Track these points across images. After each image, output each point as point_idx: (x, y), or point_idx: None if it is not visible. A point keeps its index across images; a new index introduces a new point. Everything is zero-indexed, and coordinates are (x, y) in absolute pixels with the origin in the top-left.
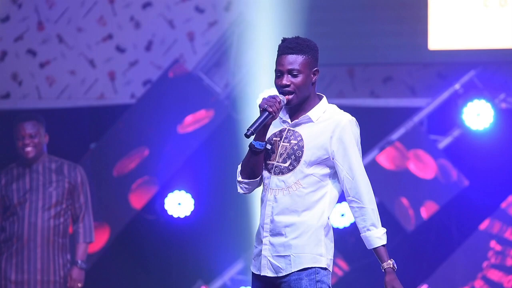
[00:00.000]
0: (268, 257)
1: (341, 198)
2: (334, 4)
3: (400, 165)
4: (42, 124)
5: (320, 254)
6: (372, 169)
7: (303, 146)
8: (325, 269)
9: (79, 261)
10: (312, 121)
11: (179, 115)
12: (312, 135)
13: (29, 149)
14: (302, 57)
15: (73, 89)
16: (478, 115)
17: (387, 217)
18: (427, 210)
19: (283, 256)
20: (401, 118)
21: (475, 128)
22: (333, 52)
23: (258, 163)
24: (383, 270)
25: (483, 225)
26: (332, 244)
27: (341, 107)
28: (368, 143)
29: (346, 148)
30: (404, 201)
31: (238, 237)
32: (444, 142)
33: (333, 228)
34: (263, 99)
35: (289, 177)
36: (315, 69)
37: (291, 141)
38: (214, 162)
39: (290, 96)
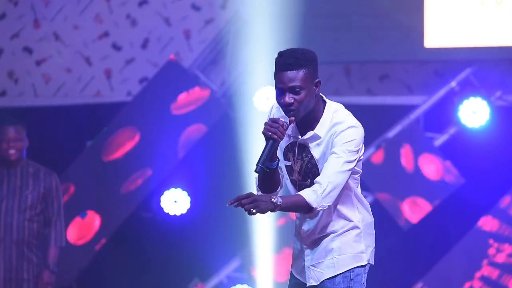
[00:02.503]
0: (311, 268)
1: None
2: (330, 2)
3: (396, 163)
4: (25, 129)
5: (361, 251)
6: (368, 167)
7: (316, 164)
8: (363, 266)
9: (51, 265)
10: (320, 137)
11: (174, 112)
12: (321, 151)
13: (12, 151)
14: (303, 71)
15: (69, 86)
16: (474, 113)
17: (383, 215)
18: (423, 208)
19: (325, 261)
20: (397, 116)
21: (471, 125)
22: (330, 50)
23: (275, 179)
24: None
25: (480, 223)
26: (371, 236)
27: None
28: (364, 141)
29: (332, 149)
30: (400, 199)
31: (234, 235)
32: (440, 140)
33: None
34: (266, 125)
35: None
36: (316, 80)
37: (304, 158)
38: (210, 160)
39: (293, 114)
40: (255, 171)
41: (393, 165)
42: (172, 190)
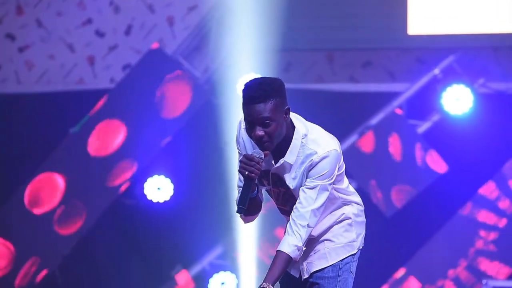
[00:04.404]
0: (304, 262)
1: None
2: None
3: (380, 150)
4: None
5: (352, 240)
6: (351, 154)
7: (293, 195)
8: (353, 254)
9: None
10: (291, 165)
11: (158, 99)
12: (297, 183)
13: None
14: (271, 102)
15: (52, 73)
16: (457, 100)
17: (366, 202)
18: (406, 195)
19: (317, 253)
20: (380, 103)
21: (454, 113)
22: (313, 37)
23: (257, 203)
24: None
25: (463, 210)
26: (362, 223)
27: (320, 92)
28: (347, 128)
29: (307, 179)
30: (384, 185)
31: (217, 222)
32: (423, 127)
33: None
34: (241, 163)
35: None
36: (285, 108)
37: (280, 188)
38: (193, 147)
39: (267, 147)
40: (237, 212)
41: (376, 152)
42: (156, 177)
